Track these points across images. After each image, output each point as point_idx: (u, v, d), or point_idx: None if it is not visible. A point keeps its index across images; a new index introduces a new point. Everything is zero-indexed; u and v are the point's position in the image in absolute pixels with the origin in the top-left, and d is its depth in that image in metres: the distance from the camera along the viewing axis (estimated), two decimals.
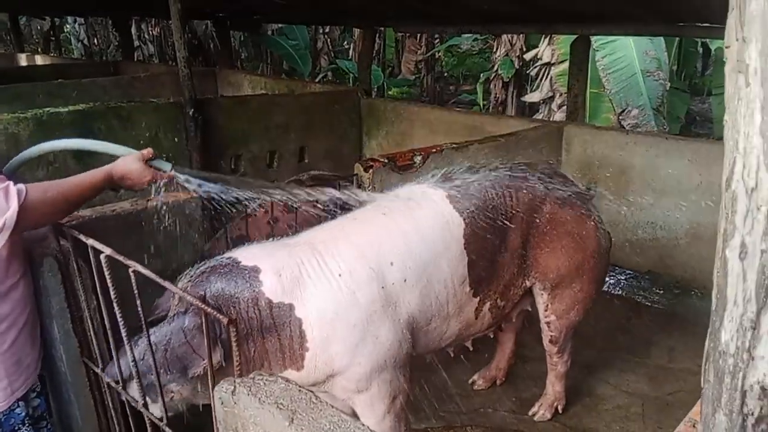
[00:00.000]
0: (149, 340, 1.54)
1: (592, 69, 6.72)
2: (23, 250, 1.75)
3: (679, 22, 4.06)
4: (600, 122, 7.53)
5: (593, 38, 6.47)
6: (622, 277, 4.41)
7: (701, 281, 4.05)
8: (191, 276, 1.85)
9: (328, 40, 13.49)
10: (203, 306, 1.34)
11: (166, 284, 1.43)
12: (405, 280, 2.06)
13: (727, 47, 0.62)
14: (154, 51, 13.99)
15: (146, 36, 14.07)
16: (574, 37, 4.80)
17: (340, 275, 1.92)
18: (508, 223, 2.35)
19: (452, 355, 2.62)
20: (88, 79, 6.60)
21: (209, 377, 1.35)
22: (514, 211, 2.37)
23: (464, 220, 2.24)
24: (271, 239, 2.05)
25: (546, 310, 2.64)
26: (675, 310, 3.99)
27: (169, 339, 1.73)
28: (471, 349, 2.64)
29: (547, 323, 2.68)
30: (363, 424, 1.12)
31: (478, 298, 2.33)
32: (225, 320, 1.24)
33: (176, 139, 4.48)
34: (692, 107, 10.95)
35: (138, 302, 1.50)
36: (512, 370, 3.22)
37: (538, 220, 2.44)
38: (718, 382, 0.69)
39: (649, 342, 3.64)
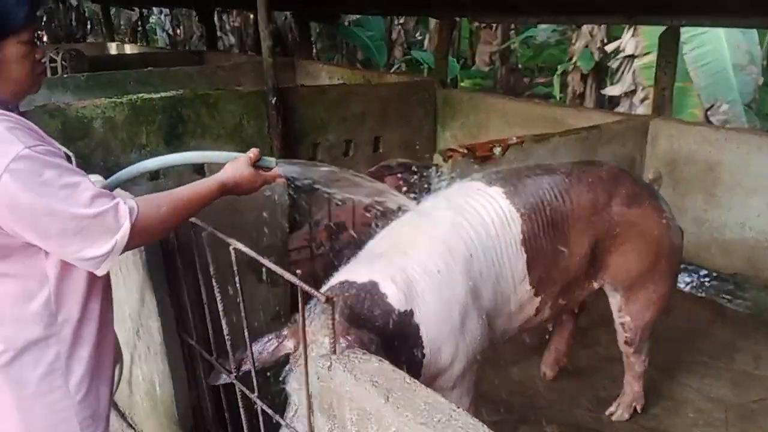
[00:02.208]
0: (247, 326, 1.61)
1: (678, 62, 6.45)
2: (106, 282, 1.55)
3: None
4: (685, 117, 7.20)
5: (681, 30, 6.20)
6: (706, 279, 4.23)
7: None
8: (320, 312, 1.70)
9: (403, 31, 13.49)
10: (297, 281, 1.38)
11: (265, 262, 1.49)
12: (481, 274, 2.06)
13: None
14: (234, 41, 14.39)
15: (227, 27, 14.49)
16: (659, 28, 4.62)
17: (438, 272, 1.92)
18: (566, 226, 2.29)
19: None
20: (176, 67, 6.87)
21: (303, 355, 1.40)
22: (575, 215, 2.30)
23: (521, 217, 2.20)
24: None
25: (620, 312, 2.58)
26: (763, 315, 3.80)
27: None
28: (528, 341, 2.61)
29: (622, 324, 2.62)
30: (458, 407, 1.14)
31: (539, 297, 2.29)
32: (322, 298, 1.29)
33: (258, 127, 4.62)
34: None
35: (236, 279, 1.58)
36: (589, 369, 3.17)
37: (605, 223, 2.37)
38: None
39: (734, 347, 3.49)
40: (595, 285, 2.50)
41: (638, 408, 2.88)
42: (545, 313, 2.39)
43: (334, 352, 1.33)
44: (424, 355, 1.85)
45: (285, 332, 1.72)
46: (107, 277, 1.54)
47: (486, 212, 2.17)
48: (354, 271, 1.92)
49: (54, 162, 1.28)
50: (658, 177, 2.73)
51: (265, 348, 1.71)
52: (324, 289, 1.89)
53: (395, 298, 1.82)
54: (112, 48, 10.96)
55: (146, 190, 3.87)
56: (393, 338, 1.77)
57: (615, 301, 2.58)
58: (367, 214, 2.82)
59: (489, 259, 2.09)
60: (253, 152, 1.65)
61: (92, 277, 1.46)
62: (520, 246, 2.19)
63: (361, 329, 1.65)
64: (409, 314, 1.83)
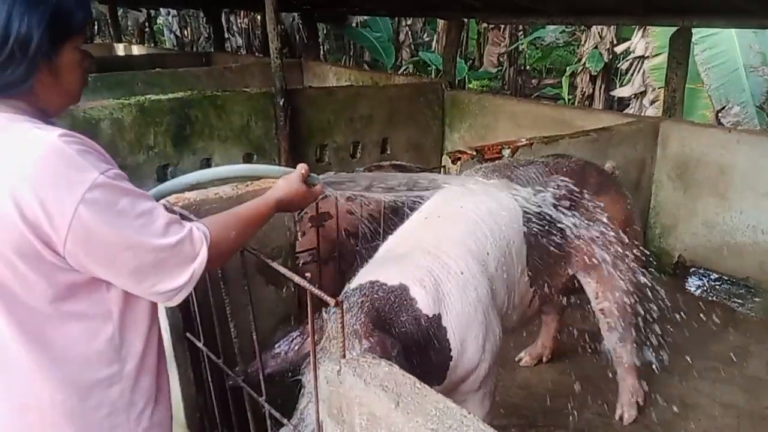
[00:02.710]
0: (255, 329, 1.59)
1: (689, 63, 6.41)
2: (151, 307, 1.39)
3: None
4: (696, 119, 7.16)
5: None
6: (717, 283, 4.19)
7: None
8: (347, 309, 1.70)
9: (410, 32, 13.48)
10: (306, 284, 1.35)
11: (274, 265, 1.47)
12: (496, 270, 2.07)
13: None
14: (242, 43, 14.43)
15: (235, 28, 14.53)
16: (670, 29, 4.58)
17: (461, 273, 1.91)
18: (553, 213, 2.31)
19: None
20: (183, 68, 6.89)
21: (312, 357, 1.38)
22: (558, 202, 2.34)
23: (523, 210, 2.23)
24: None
25: (596, 298, 2.62)
26: None
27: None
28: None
29: (601, 310, 2.65)
30: (468, 412, 1.12)
31: (533, 288, 2.33)
32: (332, 302, 1.27)
33: (266, 128, 4.61)
34: None
35: (245, 281, 1.56)
36: (598, 374, 3.14)
37: (578, 210, 2.41)
38: None
39: (746, 352, 3.45)
40: (570, 271, 2.53)
41: (640, 401, 2.87)
42: (535, 304, 2.41)
43: (344, 356, 1.31)
44: (451, 358, 1.83)
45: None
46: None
47: (495, 208, 2.18)
48: (382, 272, 1.88)
49: (126, 188, 1.17)
50: (614, 168, 3.02)
51: (290, 347, 1.68)
52: (352, 286, 1.85)
53: (424, 303, 1.80)
54: (120, 49, 10.99)
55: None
56: (420, 343, 1.74)
57: (590, 288, 2.61)
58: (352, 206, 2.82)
59: (501, 255, 2.09)
60: (304, 168, 1.60)
61: (153, 307, 1.38)
62: (523, 239, 2.22)
63: (386, 333, 1.63)
64: (437, 318, 1.81)
